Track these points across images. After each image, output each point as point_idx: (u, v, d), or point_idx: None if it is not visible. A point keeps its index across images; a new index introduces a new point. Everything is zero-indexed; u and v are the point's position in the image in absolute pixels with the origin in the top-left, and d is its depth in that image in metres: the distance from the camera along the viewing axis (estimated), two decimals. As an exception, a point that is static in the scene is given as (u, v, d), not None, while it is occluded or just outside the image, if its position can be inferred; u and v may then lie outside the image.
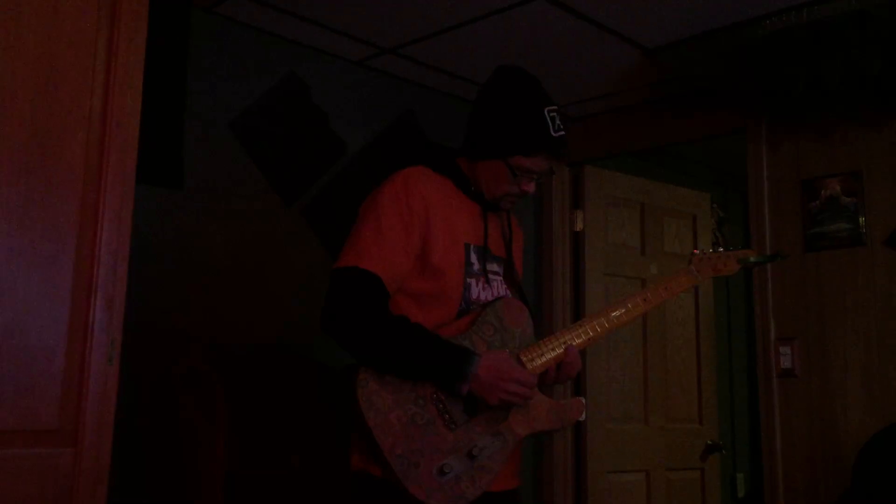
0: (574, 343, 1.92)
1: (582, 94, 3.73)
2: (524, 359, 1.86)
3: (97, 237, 1.74)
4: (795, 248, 3.23)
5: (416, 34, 3.13)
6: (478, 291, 1.91)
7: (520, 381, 1.78)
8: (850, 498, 2.86)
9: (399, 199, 1.84)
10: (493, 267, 1.97)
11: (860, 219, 3.06)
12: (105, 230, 1.75)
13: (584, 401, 1.94)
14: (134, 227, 1.81)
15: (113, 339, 1.73)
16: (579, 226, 4.04)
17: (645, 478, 3.96)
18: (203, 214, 2.88)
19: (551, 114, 1.91)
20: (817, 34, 2.82)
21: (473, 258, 1.92)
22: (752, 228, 3.40)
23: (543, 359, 1.88)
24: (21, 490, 1.59)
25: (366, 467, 1.78)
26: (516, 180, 1.90)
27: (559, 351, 1.90)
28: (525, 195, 1.95)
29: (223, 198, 2.93)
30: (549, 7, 2.89)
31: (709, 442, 4.18)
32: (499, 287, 1.97)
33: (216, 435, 2.53)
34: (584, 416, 1.93)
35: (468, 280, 1.89)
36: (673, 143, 3.85)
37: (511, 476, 1.91)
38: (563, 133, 1.92)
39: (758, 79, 3.04)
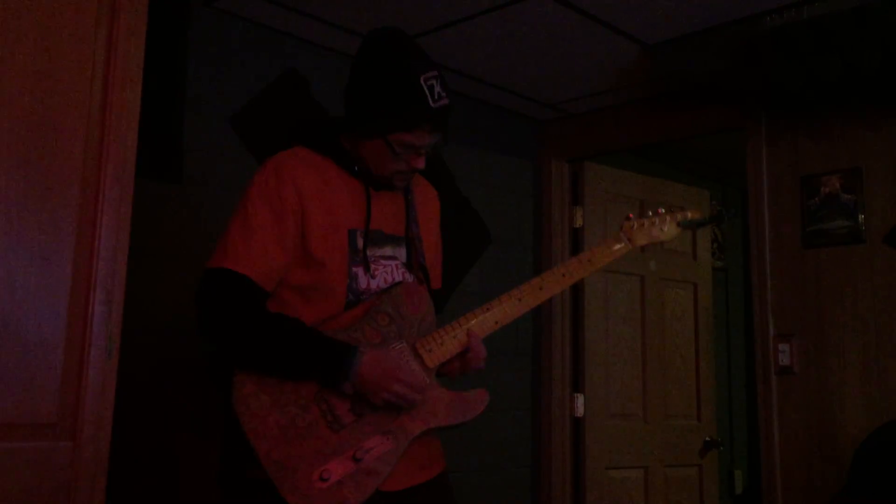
0: (483, 326, 1.77)
1: (581, 91, 3.73)
2: (421, 349, 1.73)
3: (96, 231, 1.73)
4: (794, 245, 3.23)
5: (415, 30, 3.12)
6: (367, 280, 1.76)
7: (407, 382, 1.64)
8: (847, 495, 2.86)
9: (268, 188, 1.72)
10: (386, 251, 1.82)
11: (859, 216, 3.06)
12: (104, 224, 1.74)
13: (487, 392, 1.77)
14: (133, 221, 1.81)
15: (112, 333, 1.73)
16: (579, 222, 4.04)
17: (643, 474, 3.97)
18: (202, 209, 2.88)
19: (429, 82, 1.71)
20: (817, 31, 2.81)
21: (360, 244, 1.77)
22: (751, 225, 3.40)
23: (444, 348, 1.74)
24: (19, 484, 1.59)
25: (254, 474, 1.65)
26: (399, 157, 1.75)
27: (462, 338, 1.75)
28: (415, 171, 1.80)
29: (223, 192, 2.93)
30: (549, 3, 2.89)
31: (707, 438, 4.19)
32: (392, 273, 1.81)
33: (213, 431, 2.53)
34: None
35: (353, 269, 1.75)
36: (672, 139, 3.85)
37: (421, 469, 1.77)
38: (444, 101, 1.72)
39: (757, 76, 3.04)
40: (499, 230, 3.91)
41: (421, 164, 1.78)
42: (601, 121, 3.96)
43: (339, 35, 3.18)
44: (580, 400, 3.88)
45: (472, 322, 1.79)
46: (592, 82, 3.63)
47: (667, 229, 1.96)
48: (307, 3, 2.92)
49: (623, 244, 1.94)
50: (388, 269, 1.81)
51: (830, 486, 3.01)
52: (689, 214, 1.98)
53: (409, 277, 1.84)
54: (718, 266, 4.95)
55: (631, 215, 1.98)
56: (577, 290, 3.97)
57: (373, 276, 1.77)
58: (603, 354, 3.94)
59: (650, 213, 1.97)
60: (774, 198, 3.31)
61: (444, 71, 3.51)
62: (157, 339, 2.65)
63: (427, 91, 1.70)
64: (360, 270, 1.76)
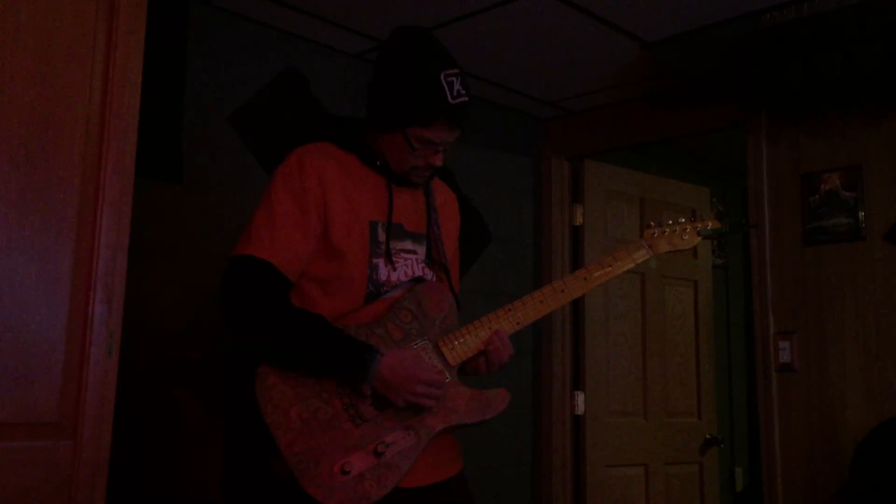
0: (506, 326, 1.80)
1: (581, 88, 3.73)
2: (443, 347, 1.75)
3: (96, 230, 1.73)
4: (795, 242, 3.22)
5: (415, 27, 3.12)
6: (387, 272, 1.77)
7: (428, 382, 1.65)
8: (848, 492, 2.86)
9: (292, 178, 1.74)
10: (407, 245, 1.83)
11: (860, 213, 3.06)
12: (104, 223, 1.74)
13: (508, 392, 1.81)
14: (133, 220, 1.81)
15: (112, 331, 1.73)
16: (579, 220, 4.04)
17: (644, 472, 3.97)
18: (202, 208, 2.88)
19: (449, 78, 1.72)
20: (816, 28, 2.81)
21: (382, 237, 1.78)
22: (751, 223, 3.40)
23: (466, 346, 1.77)
24: (20, 483, 1.59)
25: (273, 466, 1.67)
26: (417, 153, 1.76)
27: (484, 336, 1.78)
28: (433, 168, 1.81)
29: (222, 191, 2.93)
30: (549, 0, 2.88)
31: (707, 436, 4.19)
32: (412, 267, 1.82)
33: (215, 430, 2.54)
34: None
35: (374, 261, 1.76)
36: (672, 137, 3.85)
37: (439, 467, 1.78)
38: (464, 98, 1.74)
39: (757, 73, 3.04)
40: (499, 228, 3.91)
41: (438, 161, 1.80)
42: (601, 119, 3.96)
43: (338, 33, 3.18)
44: (580, 398, 3.88)
45: (494, 321, 1.81)
46: (592, 80, 3.62)
47: (687, 238, 1.97)
48: (306, 1, 2.92)
49: (644, 251, 1.95)
50: (409, 262, 1.82)
51: (831, 483, 3.01)
52: (710, 224, 1.99)
53: (429, 273, 1.86)
54: (719, 264, 4.95)
55: (652, 223, 1.99)
56: (577, 287, 3.97)
57: (394, 268, 1.78)
58: (603, 352, 3.94)
59: (671, 222, 1.98)
60: (775, 195, 3.31)
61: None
62: (157, 339, 2.65)
63: (446, 87, 1.71)
64: (380, 262, 1.77)
